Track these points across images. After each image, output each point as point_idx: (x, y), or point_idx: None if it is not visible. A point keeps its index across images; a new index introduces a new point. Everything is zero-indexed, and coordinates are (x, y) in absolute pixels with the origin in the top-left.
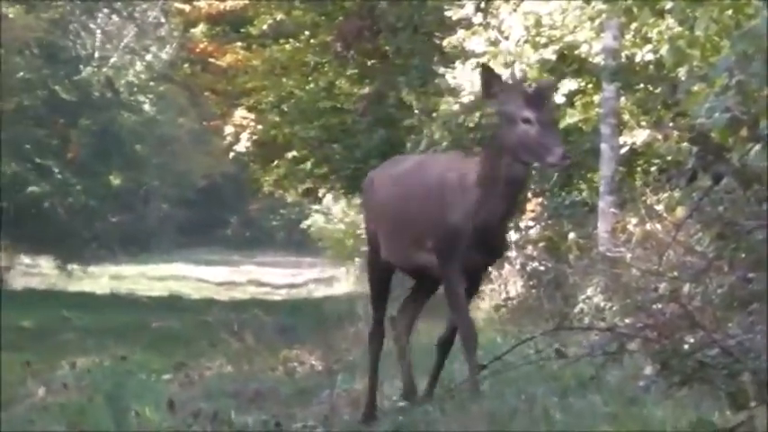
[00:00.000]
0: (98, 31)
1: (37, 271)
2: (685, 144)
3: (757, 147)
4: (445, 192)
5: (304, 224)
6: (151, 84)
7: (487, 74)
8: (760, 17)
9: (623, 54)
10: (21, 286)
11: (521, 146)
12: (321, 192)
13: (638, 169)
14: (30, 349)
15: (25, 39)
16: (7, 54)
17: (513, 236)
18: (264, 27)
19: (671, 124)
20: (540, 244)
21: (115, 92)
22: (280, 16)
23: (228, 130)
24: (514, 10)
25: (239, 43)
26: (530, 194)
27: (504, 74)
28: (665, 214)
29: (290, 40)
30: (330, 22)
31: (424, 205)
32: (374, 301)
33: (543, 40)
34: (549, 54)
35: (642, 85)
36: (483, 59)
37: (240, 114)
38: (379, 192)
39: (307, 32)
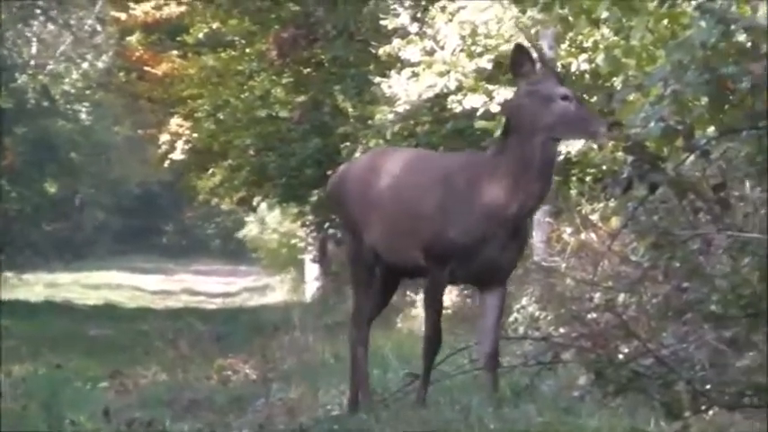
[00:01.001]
0: (34, 39)
1: None
2: (621, 153)
3: (692, 156)
4: (451, 192)
5: (240, 234)
6: (87, 92)
7: (519, 53)
8: (695, 27)
9: (559, 63)
10: None
11: (561, 122)
12: (256, 200)
13: (574, 179)
14: None
15: None
16: None
17: None
18: (200, 35)
19: (606, 134)
20: None
21: (51, 100)
22: (216, 25)
23: (164, 138)
24: (450, 19)
25: (175, 51)
26: None
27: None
28: (600, 224)
29: (226, 48)
30: (266, 31)
31: (426, 203)
32: (359, 295)
33: (479, 50)
34: (485, 63)
35: (577, 95)
36: (418, 69)
37: (176, 122)
38: (368, 182)
39: (242, 41)
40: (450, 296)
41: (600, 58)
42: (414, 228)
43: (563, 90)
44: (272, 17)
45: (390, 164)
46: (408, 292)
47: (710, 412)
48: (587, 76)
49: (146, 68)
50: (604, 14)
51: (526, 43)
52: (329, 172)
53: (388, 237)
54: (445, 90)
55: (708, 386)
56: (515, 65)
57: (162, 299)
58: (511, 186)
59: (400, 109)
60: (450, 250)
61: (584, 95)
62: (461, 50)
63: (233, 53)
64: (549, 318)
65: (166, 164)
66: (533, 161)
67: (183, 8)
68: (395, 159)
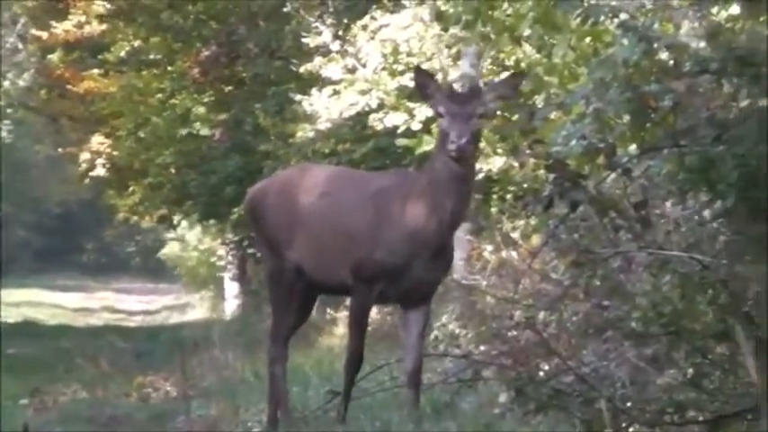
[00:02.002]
0: None
1: None
2: (542, 171)
3: (613, 174)
4: (379, 211)
5: (161, 253)
6: (9, 110)
7: (419, 75)
8: (617, 45)
9: (481, 81)
10: None
11: (440, 139)
12: (176, 218)
13: (494, 197)
14: None
15: None
16: None
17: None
18: (122, 54)
19: (528, 151)
20: None
21: None
22: (137, 43)
23: (85, 156)
24: (372, 37)
25: (96, 70)
26: None
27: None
28: (520, 242)
29: (148, 66)
30: (187, 49)
31: (357, 222)
32: (278, 312)
33: (401, 68)
34: (407, 81)
35: (499, 113)
36: (340, 87)
37: (97, 140)
38: (291, 199)
39: (164, 59)
40: (370, 314)
41: None
42: (344, 247)
43: (440, 107)
44: (194, 35)
45: (316, 181)
46: (329, 310)
47: (631, 429)
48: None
49: (67, 86)
50: (527, 32)
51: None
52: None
53: (316, 255)
54: (367, 108)
55: (628, 404)
56: (419, 88)
57: (83, 316)
58: (429, 205)
59: (321, 127)
60: (378, 271)
61: (505, 113)
62: (383, 68)
63: (154, 71)
64: (469, 335)
65: (87, 182)
66: (442, 180)
67: (104, 26)
68: (320, 176)
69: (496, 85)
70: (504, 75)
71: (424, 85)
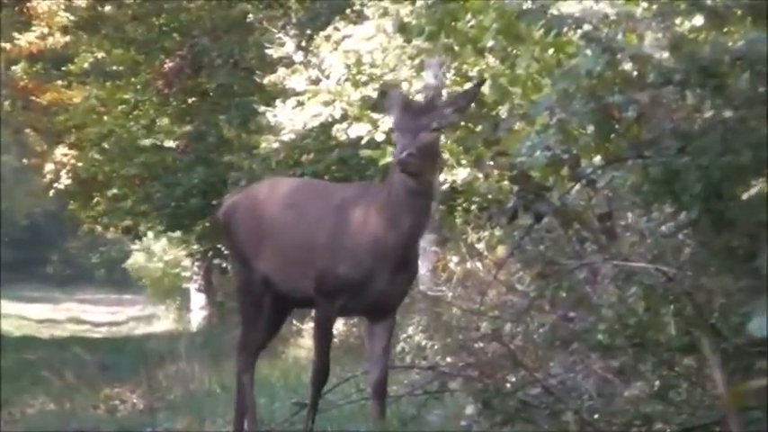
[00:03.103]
0: None
1: None
2: (506, 183)
3: (578, 186)
4: (341, 224)
5: (126, 264)
6: None
7: (383, 95)
8: (581, 56)
9: (444, 92)
10: None
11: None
12: (141, 229)
13: (459, 208)
14: None
15: None
16: None
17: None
18: (85, 65)
19: (491, 163)
20: None
21: None
22: (101, 55)
23: (49, 167)
24: (335, 48)
25: (60, 81)
26: None
27: None
28: (486, 253)
29: (112, 78)
30: (151, 61)
31: (319, 235)
32: (247, 324)
33: (364, 79)
34: (370, 92)
35: (462, 123)
36: (303, 98)
37: (61, 152)
38: (260, 211)
39: (128, 70)
40: (336, 326)
41: (486, 87)
42: (307, 259)
43: (393, 120)
44: (157, 47)
45: (283, 192)
46: (295, 321)
47: None
48: (473, 104)
49: (31, 98)
50: (490, 43)
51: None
52: (214, 201)
53: (282, 266)
54: (330, 119)
55: (595, 416)
56: (386, 109)
57: (48, 328)
58: (388, 219)
59: (285, 138)
60: (339, 285)
61: (469, 124)
62: (346, 80)
63: (118, 83)
64: (435, 347)
65: (51, 193)
66: (399, 193)
67: (67, 38)
68: (287, 188)
69: (456, 98)
70: (467, 86)
71: (385, 103)
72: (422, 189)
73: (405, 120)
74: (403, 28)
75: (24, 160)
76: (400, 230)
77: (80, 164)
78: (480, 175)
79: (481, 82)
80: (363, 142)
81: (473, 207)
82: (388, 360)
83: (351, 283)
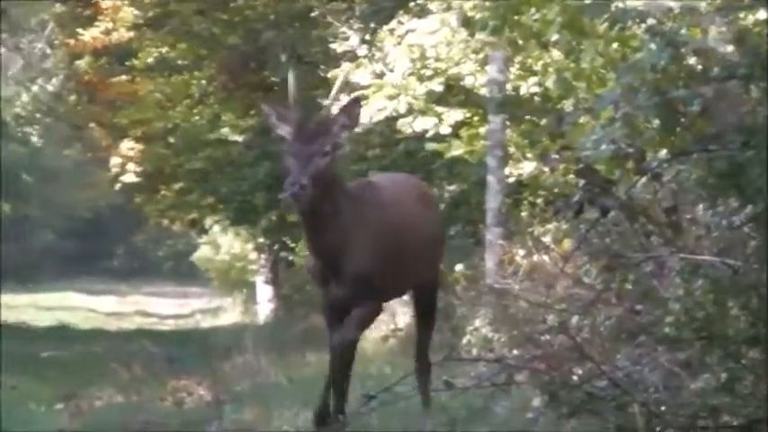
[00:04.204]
0: None
1: None
2: (572, 176)
3: (643, 179)
4: None
5: (194, 257)
6: (37, 115)
7: (269, 110)
8: (645, 50)
9: (509, 86)
10: None
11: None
12: (208, 222)
13: (525, 201)
14: None
15: None
16: None
17: None
18: (150, 60)
19: (557, 156)
20: None
21: (1, 123)
22: (164, 49)
23: (115, 161)
24: (399, 42)
25: (124, 76)
26: None
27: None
28: (552, 246)
29: (178, 72)
30: (215, 55)
31: None
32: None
33: (429, 73)
34: (435, 86)
35: (528, 117)
36: (368, 92)
37: (126, 146)
38: None
39: (192, 65)
40: (405, 318)
41: (550, 81)
42: None
43: (285, 144)
44: (221, 41)
45: None
46: None
47: None
48: (537, 98)
49: (96, 92)
50: (554, 37)
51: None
52: (280, 196)
53: None
54: (395, 113)
55: (662, 408)
56: (273, 125)
57: (115, 320)
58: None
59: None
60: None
61: (534, 118)
62: (411, 73)
63: (182, 77)
64: (502, 339)
65: (117, 187)
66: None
67: (131, 33)
68: None
69: (338, 116)
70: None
71: (275, 120)
72: (311, 212)
73: (298, 145)
74: (467, 22)
75: (89, 154)
76: (311, 249)
77: (146, 157)
78: (546, 169)
79: (358, 98)
80: (428, 135)
81: (539, 201)
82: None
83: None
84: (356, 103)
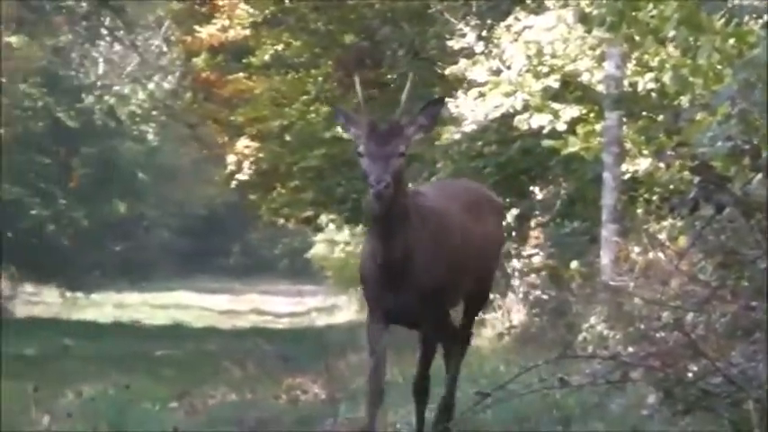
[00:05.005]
0: (101, 60)
1: (40, 299)
2: (687, 173)
3: (759, 176)
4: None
5: (309, 254)
6: (154, 113)
7: (339, 113)
8: (761, 46)
9: (625, 82)
10: (24, 314)
11: (364, 179)
12: (323, 220)
13: (641, 198)
14: (31, 378)
15: (27, 67)
16: (9, 82)
17: (515, 264)
18: (266, 57)
19: (672, 153)
20: (543, 272)
21: (117, 120)
22: (280, 47)
23: (231, 158)
24: (516, 39)
25: (241, 74)
26: (532, 223)
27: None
28: (667, 243)
29: (294, 69)
30: (330, 53)
31: None
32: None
33: (545, 69)
34: (552, 82)
35: (644, 114)
36: (485, 89)
37: (242, 144)
38: None
39: (308, 62)
40: (519, 316)
41: (667, 77)
42: None
43: (360, 148)
44: (337, 38)
45: None
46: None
47: None
48: (654, 95)
49: (212, 90)
50: (671, 33)
51: None
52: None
53: None
54: (512, 110)
55: None
56: (342, 125)
57: (229, 318)
58: (370, 239)
59: (467, 129)
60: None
61: (651, 115)
62: (527, 70)
63: (298, 74)
64: (617, 337)
65: (233, 184)
66: (372, 218)
67: (247, 31)
68: None
69: (416, 118)
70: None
71: (345, 123)
72: (385, 215)
73: (374, 146)
74: (584, 18)
75: (204, 151)
76: (376, 253)
77: (261, 155)
78: (661, 166)
79: (440, 99)
80: (545, 132)
81: (654, 197)
82: (426, 370)
83: (367, 298)
84: (437, 104)
